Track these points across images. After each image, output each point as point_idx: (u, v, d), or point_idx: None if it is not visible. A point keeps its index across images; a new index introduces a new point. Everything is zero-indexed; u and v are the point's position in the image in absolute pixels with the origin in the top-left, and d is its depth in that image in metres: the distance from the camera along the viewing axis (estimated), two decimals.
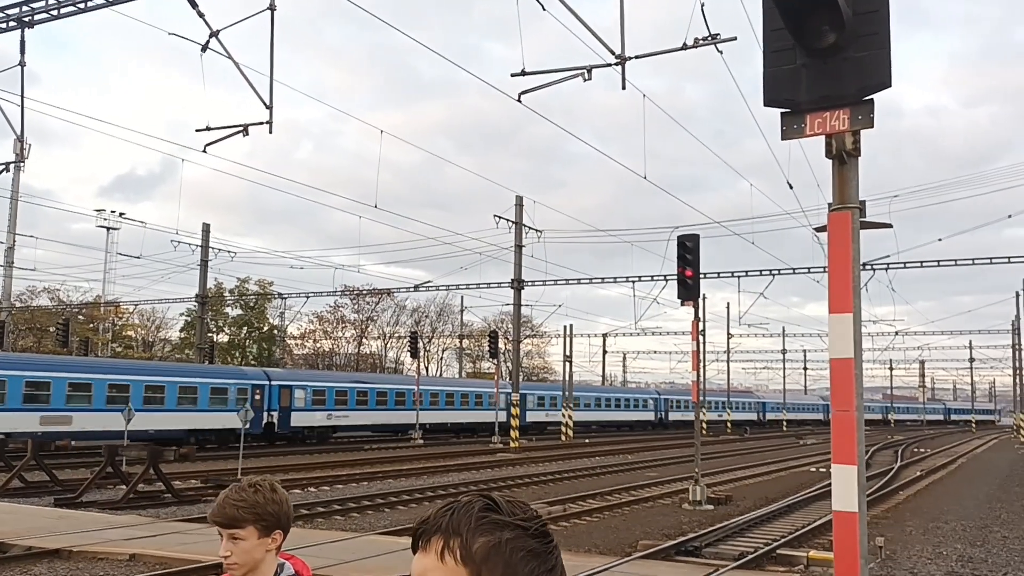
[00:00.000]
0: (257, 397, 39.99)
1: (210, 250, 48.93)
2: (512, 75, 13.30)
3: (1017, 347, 63.29)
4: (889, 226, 6.40)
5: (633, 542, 15.51)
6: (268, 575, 2.77)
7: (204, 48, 12.89)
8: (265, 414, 40.55)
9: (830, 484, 5.49)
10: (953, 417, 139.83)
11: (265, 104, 12.01)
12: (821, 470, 31.74)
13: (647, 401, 75.02)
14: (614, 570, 12.22)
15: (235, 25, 14.54)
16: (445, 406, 52.97)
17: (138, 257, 49.72)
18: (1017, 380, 65.96)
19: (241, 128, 12.75)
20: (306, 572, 2.89)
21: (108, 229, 67.73)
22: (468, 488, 24.39)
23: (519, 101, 13.59)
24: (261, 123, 12.29)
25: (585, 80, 13.13)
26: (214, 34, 12.14)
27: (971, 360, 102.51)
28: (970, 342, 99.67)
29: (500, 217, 42.17)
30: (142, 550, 12.66)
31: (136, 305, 66.41)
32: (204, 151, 15.12)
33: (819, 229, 5.79)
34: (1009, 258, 40.22)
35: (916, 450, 49.02)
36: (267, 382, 41.45)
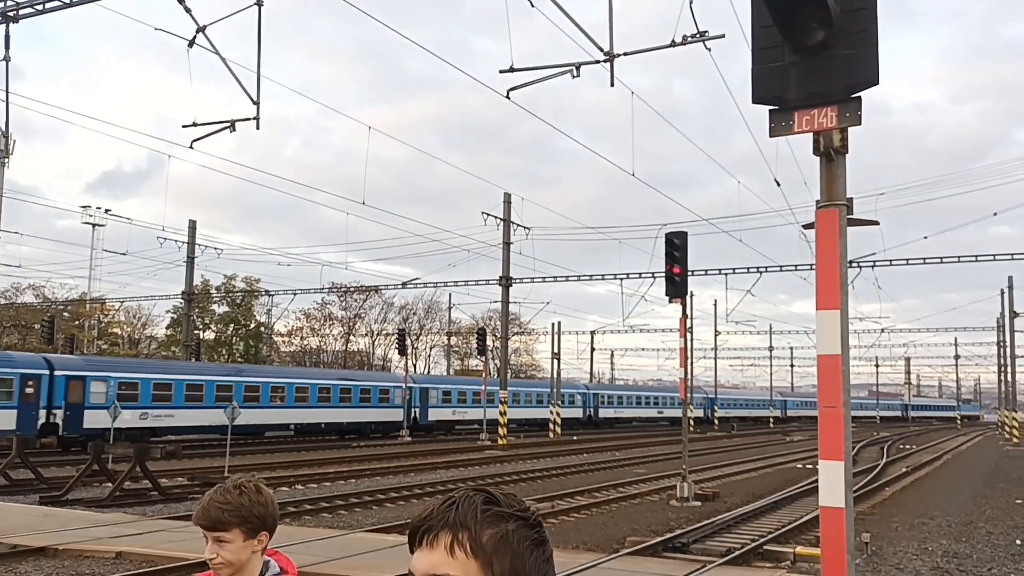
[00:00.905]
0: (29, 391, 32.50)
1: (196, 247, 48.71)
2: (500, 72, 13.29)
3: (1002, 344, 63.71)
4: (876, 223, 6.42)
5: (621, 538, 15.54)
6: (254, 575, 2.76)
7: (191, 43, 12.82)
8: (44, 412, 32.97)
9: (816, 481, 5.51)
10: (913, 415, 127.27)
11: (252, 100, 11.95)
12: (808, 467, 31.90)
13: (574, 397, 68.65)
14: (602, 567, 12.24)
15: (222, 20, 14.47)
16: (318, 403, 45.02)
17: (124, 254, 49.46)
18: (1002, 377, 66.41)
19: (228, 124, 12.69)
20: (291, 569, 2.88)
21: (94, 226, 67.32)
22: (457, 485, 24.37)
23: (507, 98, 13.58)
24: (248, 119, 12.24)
25: (574, 77, 13.13)
26: (201, 29, 12.06)
27: (956, 357, 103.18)
28: (955, 339, 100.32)
29: (488, 214, 42.16)
30: (128, 548, 12.60)
31: (122, 302, 66.08)
32: (191, 147, 15.05)
33: (807, 226, 5.81)
34: (994, 255, 40.48)
35: (902, 447, 49.32)
36: (46, 371, 33.42)
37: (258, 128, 12.44)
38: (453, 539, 1.24)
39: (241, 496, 2.70)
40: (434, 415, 53.56)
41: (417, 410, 51.79)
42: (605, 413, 72.94)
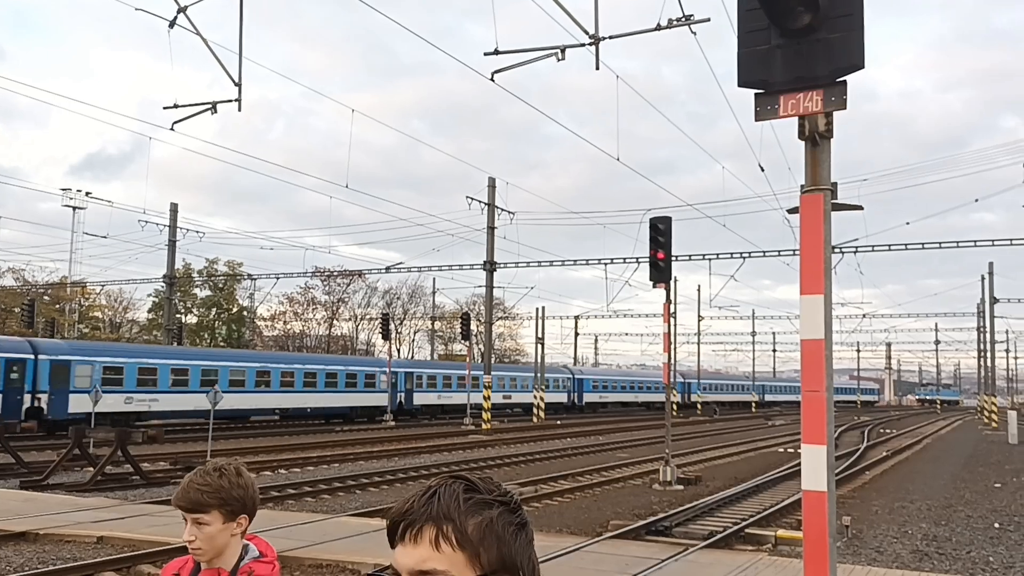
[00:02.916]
0: (14, 375, 32.63)
1: (178, 230, 48.35)
2: (485, 54, 13.19)
3: (982, 330, 64.30)
4: (860, 208, 6.43)
5: (604, 522, 15.61)
6: (233, 559, 2.74)
7: (172, 24, 12.65)
8: (28, 396, 33.06)
9: (798, 464, 5.52)
10: (837, 398, 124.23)
11: (234, 81, 11.81)
12: (789, 451, 32.15)
13: (559, 381, 66.66)
14: (585, 550, 12.28)
15: (205, 1, 14.29)
16: (304, 388, 44.85)
17: (104, 237, 49.02)
18: (982, 363, 67.07)
19: (210, 106, 12.56)
20: (270, 553, 2.86)
21: (74, 209, 66.75)
22: (441, 469, 24.42)
23: (492, 80, 13.49)
24: (230, 101, 12.11)
25: (559, 60, 13.05)
26: (182, 10, 11.89)
27: (936, 342, 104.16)
28: (936, 325, 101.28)
29: (472, 199, 42.04)
30: (110, 532, 12.54)
31: (103, 286, 65.59)
32: (172, 129, 14.88)
33: (791, 211, 5.81)
34: (975, 242, 40.80)
35: (882, 431, 49.78)
36: (31, 355, 33.52)
37: (240, 110, 12.31)
38: (438, 532, 1.21)
39: (221, 478, 2.68)
40: (420, 399, 54.00)
41: (403, 395, 52.26)
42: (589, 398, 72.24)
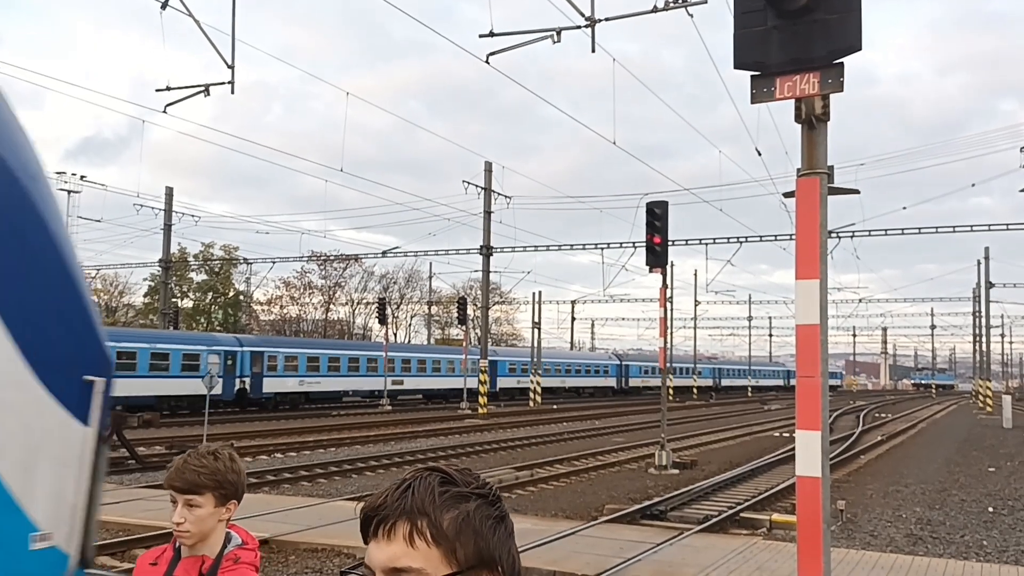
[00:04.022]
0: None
1: (174, 214, 48.20)
2: (480, 36, 13.08)
3: (978, 315, 64.44)
4: (857, 192, 6.38)
5: (600, 506, 15.64)
6: (217, 546, 2.72)
7: (164, 6, 12.52)
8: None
9: (793, 449, 5.51)
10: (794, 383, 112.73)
11: (227, 64, 11.71)
12: (784, 435, 32.23)
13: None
14: (581, 534, 12.30)
15: None
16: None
17: (99, 220, 48.90)
18: (977, 347, 67.26)
19: (202, 88, 12.46)
20: (252, 542, 2.84)
21: (69, 192, 66.42)
22: (438, 454, 24.45)
23: (487, 63, 13.39)
24: (223, 83, 12.01)
25: (554, 42, 12.94)
26: None
27: (932, 327, 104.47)
28: (932, 309, 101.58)
29: (469, 183, 41.93)
30: (105, 517, 12.52)
31: (98, 270, 65.43)
32: (164, 111, 14.78)
33: (787, 195, 5.76)
34: (972, 227, 40.80)
35: (877, 415, 49.94)
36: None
37: (233, 93, 12.21)
38: (412, 528, 1.16)
39: (217, 461, 2.70)
40: (272, 386, 54.34)
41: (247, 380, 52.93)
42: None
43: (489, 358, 51.03)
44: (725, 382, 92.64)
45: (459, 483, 1.21)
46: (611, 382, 74.66)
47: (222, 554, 2.71)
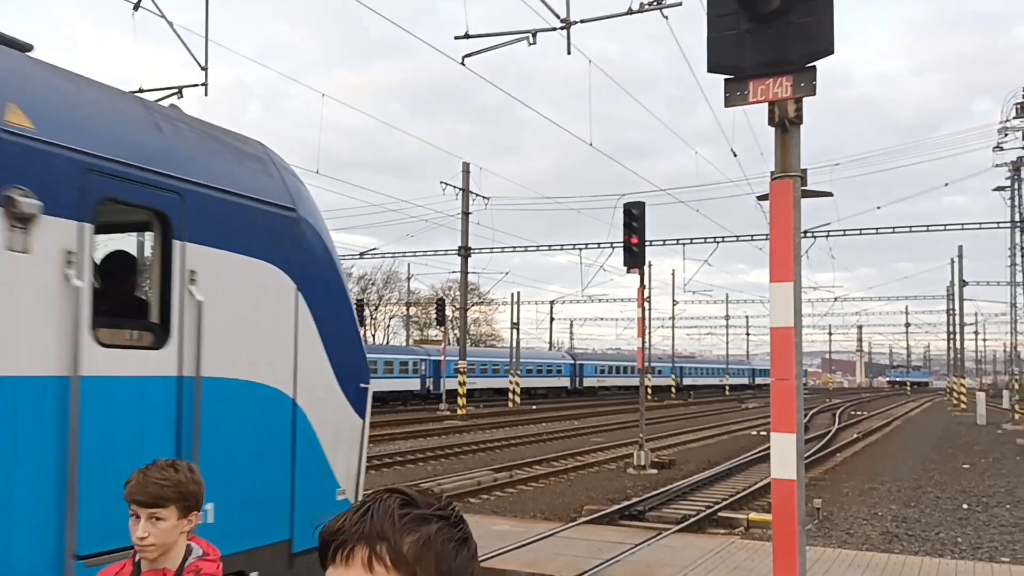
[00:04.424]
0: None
1: None
2: (456, 38, 13.06)
3: (951, 312, 65.15)
4: (830, 194, 6.42)
5: (578, 507, 15.65)
6: (179, 558, 2.70)
7: (136, 6, 12.40)
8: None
9: (769, 447, 5.53)
10: (759, 381, 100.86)
11: (200, 65, 11.61)
12: (761, 434, 32.41)
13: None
14: (560, 535, 12.30)
15: None
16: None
17: None
18: (951, 345, 67.99)
19: (176, 90, 12.34)
20: (214, 552, 2.82)
21: None
22: (416, 456, 24.37)
23: (463, 64, 13.36)
24: (196, 85, 11.91)
25: (530, 44, 12.94)
26: None
27: (907, 325, 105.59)
28: (906, 307, 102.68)
29: (447, 184, 41.84)
30: None
31: None
32: None
33: (761, 198, 5.77)
34: (945, 226, 41.21)
35: (853, 413, 50.37)
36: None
37: (206, 95, 12.10)
38: (371, 552, 1.13)
39: (178, 473, 2.68)
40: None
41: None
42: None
43: (448, 358, 50.69)
44: (687, 381, 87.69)
45: (420, 505, 1.18)
46: (564, 382, 70.70)
47: (183, 566, 2.69)
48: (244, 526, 4.94)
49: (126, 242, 5.37)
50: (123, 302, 4.87)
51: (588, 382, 74.17)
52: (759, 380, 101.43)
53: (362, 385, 6.09)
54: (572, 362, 73.53)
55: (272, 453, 5.21)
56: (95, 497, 4.09)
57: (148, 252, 4.99)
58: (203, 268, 4.74)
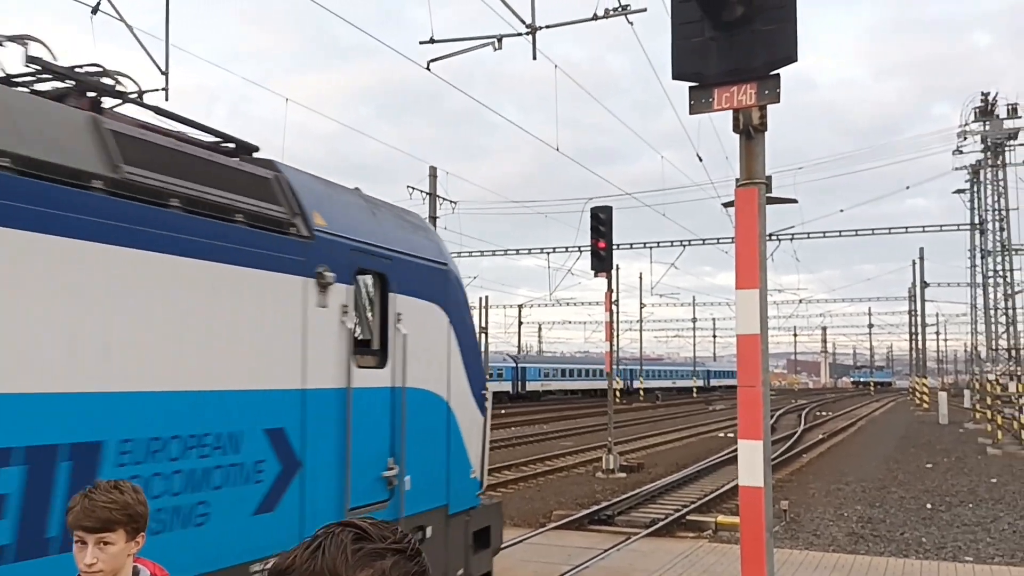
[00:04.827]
0: (511, 371, 68.61)
1: None
2: (420, 43, 12.99)
3: (913, 313, 66.15)
4: (794, 201, 6.46)
5: (548, 512, 15.63)
6: None
7: (95, 10, 12.16)
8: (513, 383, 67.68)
9: (737, 450, 5.54)
10: (715, 382, 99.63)
11: (160, 70, 11.40)
12: (729, 435, 32.63)
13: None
14: (529, 542, 12.28)
15: None
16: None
17: None
18: (913, 345, 69.02)
19: (135, 94, 12.12)
20: (162, 574, 2.76)
21: None
22: None
23: (428, 69, 13.30)
24: (156, 90, 11.69)
25: (496, 49, 12.91)
26: None
27: (870, 326, 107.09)
28: (869, 309, 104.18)
29: (414, 188, 41.66)
30: None
31: None
32: None
33: (727, 204, 5.79)
34: (906, 228, 41.82)
35: (819, 413, 50.92)
36: (514, 364, 68.75)
37: (167, 99, 11.88)
38: None
39: (124, 494, 2.61)
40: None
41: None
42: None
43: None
44: (637, 384, 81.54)
45: (374, 538, 1.15)
46: (506, 386, 66.36)
47: None
48: (425, 493, 6.89)
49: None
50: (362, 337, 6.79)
51: (531, 386, 71.16)
52: (714, 382, 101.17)
53: (483, 391, 8.13)
54: (513, 365, 70.39)
55: (438, 441, 7.21)
56: (357, 467, 6.05)
57: (369, 300, 6.92)
58: (404, 311, 6.75)
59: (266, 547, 5.18)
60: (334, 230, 6.02)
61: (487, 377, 8.61)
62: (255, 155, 6.21)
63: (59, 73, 5.08)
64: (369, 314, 6.80)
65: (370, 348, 6.62)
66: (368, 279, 6.68)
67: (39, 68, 5.03)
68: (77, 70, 5.28)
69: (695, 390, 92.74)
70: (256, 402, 5.22)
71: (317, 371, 5.71)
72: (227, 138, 6.17)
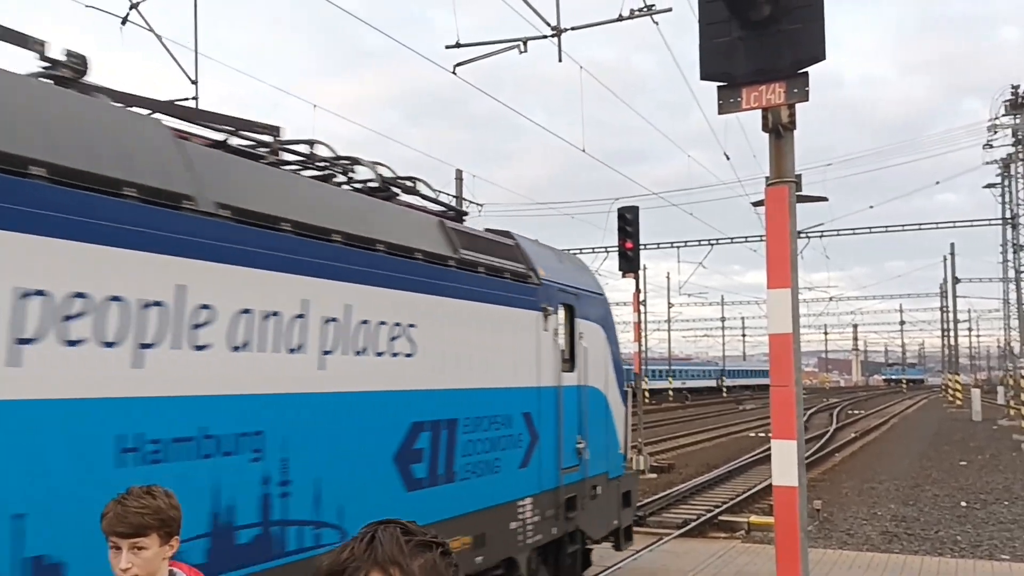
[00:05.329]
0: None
1: None
2: (447, 47, 13.06)
3: (945, 310, 65.31)
4: (825, 199, 6.44)
5: None
6: None
7: (124, 21, 12.35)
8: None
9: (769, 450, 5.53)
10: (729, 382, 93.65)
11: (190, 79, 11.56)
12: (760, 435, 32.41)
13: None
14: None
15: None
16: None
17: None
18: (945, 341, 68.15)
19: (166, 103, 12.28)
20: None
21: None
22: None
23: (454, 73, 13.36)
24: (187, 99, 11.84)
25: (521, 52, 12.94)
26: (134, 6, 11.61)
27: (902, 323, 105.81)
28: (900, 306, 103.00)
29: (439, 192, 41.78)
30: None
31: None
32: None
33: (756, 203, 5.78)
34: (937, 224, 41.28)
35: (850, 412, 50.42)
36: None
37: (197, 107, 12.01)
38: None
39: (156, 499, 2.66)
40: None
41: None
42: None
43: None
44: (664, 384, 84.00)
45: (418, 534, 1.28)
46: None
47: None
48: (597, 462, 9.18)
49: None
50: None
51: None
52: (729, 381, 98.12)
53: (625, 389, 10.67)
54: None
55: (602, 425, 9.54)
56: (564, 440, 8.48)
57: (561, 323, 8.91)
58: (583, 330, 9.18)
59: (523, 491, 7.68)
60: (549, 277, 8.56)
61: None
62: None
63: (395, 183, 7.50)
64: (563, 333, 8.93)
65: (564, 357, 8.79)
66: (562, 309, 8.96)
67: (382, 178, 7.27)
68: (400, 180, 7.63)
69: (724, 389, 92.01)
70: (517, 395, 7.70)
71: (544, 374, 8.16)
72: (452, 208, 8.80)
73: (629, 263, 20.21)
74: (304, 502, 5.04)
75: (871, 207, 40.95)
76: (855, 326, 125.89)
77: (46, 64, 4.71)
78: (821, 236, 39.43)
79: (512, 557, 7.41)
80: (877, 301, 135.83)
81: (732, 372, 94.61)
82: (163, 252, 4.25)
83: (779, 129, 5.47)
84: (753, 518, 14.40)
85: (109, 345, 3.96)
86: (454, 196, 42.06)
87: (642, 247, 21.25)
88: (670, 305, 74.35)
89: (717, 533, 13.95)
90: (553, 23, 12.26)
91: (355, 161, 7.04)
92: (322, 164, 6.89)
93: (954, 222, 40.99)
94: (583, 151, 17.95)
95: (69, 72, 4.69)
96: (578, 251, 45.44)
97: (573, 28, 12.70)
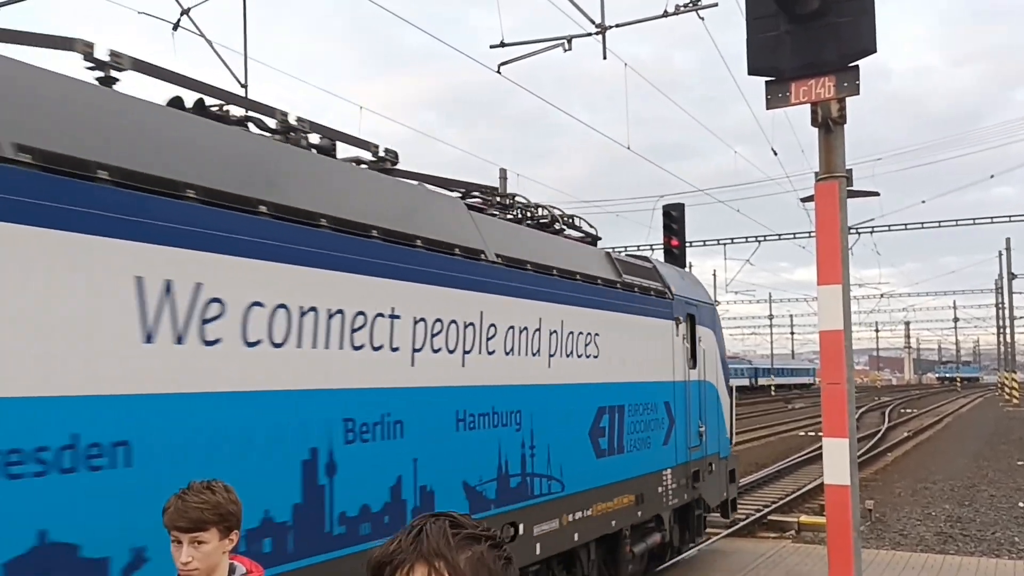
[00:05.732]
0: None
1: None
2: (491, 47, 13.08)
3: (1001, 306, 63.80)
4: (876, 194, 6.34)
5: None
6: None
7: (175, 27, 12.59)
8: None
9: (819, 448, 5.46)
10: (763, 381, 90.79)
11: (240, 83, 11.75)
12: (810, 434, 31.96)
13: None
14: None
15: (209, 1, 14.11)
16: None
17: None
18: (1001, 339, 66.56)
19: (217, 107, 12.50)
20: (257, 571, 2.85)
21: None
22: None
23: (499, 72, 13.38)
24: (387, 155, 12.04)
25: (566, 50, 12.91)
26: (185, 12, 11.82)
27: (955, 320, 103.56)
28: (954, 302, 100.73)
29: (573, 217, 41.79)
30: None
31: None
32: None
33: (806, 199, 5.72)
34: (992, 218, 40.32)
35: (903, 411, 49.47)
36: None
37: (247, 111, 12.17)
38: (430, 570, 1.21)
39: (215, 494, 2.71)
40: None
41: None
42: None
43: None
44: None
45: (468, 526, 1.27)
46: None
47: None
48: (712, 444, 10.93)
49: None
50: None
51: None
52: (762, 380, 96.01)
53: (729, 384, 12.31)
54: None
55: (714, 413, 11.20)
56: (691, 425, 10.33)
57: (683, 330, 10.44)
58: (701, 335, 10.85)
59: (666, 463, 9.46)
60: (677, 292, 10.25)
61: None
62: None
63: (562, 220, 9.28)
64: (688, 338, 10.48)
65: (688, 357, 10.39)
66: (687, 318, 10.50)
67: (553, 217, 8.98)
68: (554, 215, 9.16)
69: (772, 388, 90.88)
70: (660, 387, 9.48)
71: (677, 371, 9.89)
72: (590, 235, 9.76)
73: (675, 261, 20.05)
74: (542, 461, 7.00)
75: (923, 202, 40.04)
76: (907, 323, 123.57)
77: (374, 158, 6.68)
78: (872, 232, 38.78)
79: (659, 514, 9.34)
80: (930, 298, 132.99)
81: (766, 371, 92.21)
82: (470, 289, 6.30)
83: (829, 124, 5.40)
84: (803, 518, 14.22)
85: (451, 352, 6.06)
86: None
87: (688, 244, 21.04)
88: (717, 303, 73.70)
89: (766, 533, 13.80)
90: (597, 20, 12.22)
91: (538, 206, 8.87)
92: (509, 207, 8.69)
93: (1010, 216, 40.01)
94: (628, 148, 17.84)
95: (388, 163, 6.70)
96: (624, 249, 45.29)
97: (618, 25, 12.66)
